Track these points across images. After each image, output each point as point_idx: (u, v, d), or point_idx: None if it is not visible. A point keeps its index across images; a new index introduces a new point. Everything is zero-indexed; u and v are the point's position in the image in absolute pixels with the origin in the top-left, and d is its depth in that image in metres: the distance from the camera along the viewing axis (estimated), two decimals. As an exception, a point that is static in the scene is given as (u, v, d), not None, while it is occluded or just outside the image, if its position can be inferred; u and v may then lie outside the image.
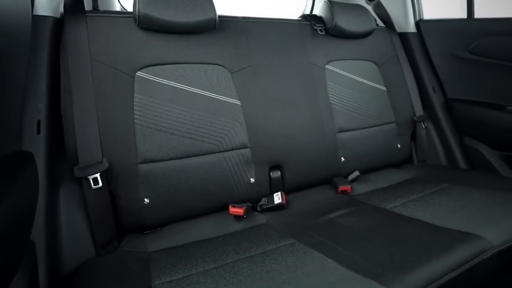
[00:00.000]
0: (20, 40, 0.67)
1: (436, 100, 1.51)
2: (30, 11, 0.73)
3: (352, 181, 1.25)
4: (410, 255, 0.73)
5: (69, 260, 0.83)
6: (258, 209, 1.08)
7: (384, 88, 1.43)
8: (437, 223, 0.88)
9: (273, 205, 1.07)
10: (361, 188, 1.23)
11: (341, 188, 1.19)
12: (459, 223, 0.86)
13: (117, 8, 1.53)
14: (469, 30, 1.40)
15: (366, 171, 1.33)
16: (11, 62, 0.62)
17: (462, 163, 1.43)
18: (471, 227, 0.82)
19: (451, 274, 0.69)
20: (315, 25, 1.35)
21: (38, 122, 0.85)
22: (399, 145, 1.42)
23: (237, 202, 1.04)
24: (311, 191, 1.21)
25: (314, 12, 1.79)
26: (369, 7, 1.61)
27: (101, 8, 1.13)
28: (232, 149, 1.06)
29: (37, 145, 0.83)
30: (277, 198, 1.08)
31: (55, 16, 0.94)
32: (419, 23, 1.57)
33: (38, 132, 0.85)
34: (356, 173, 1.25)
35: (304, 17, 1.41)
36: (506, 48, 1.30)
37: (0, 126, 0.63)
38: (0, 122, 0.63)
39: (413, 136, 1.49)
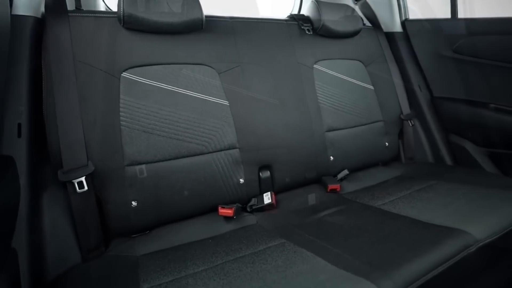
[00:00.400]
0: None
1: (422, 98, 1.54)
2: (9, 11, 0.71)
3: (341, 179, 1.26)
4: (398, 251, 0.74)
5: (54, 266, 0.81)
6: (248, 209, 1.08)
7: (371, 87, 1.44)
8: (424, 220, 0.89)
9: (262, 205, 1.06)
10: (350, 187, 1.24)
11: (330, 187, 1.19)
12: (445, 219, 0.87)
13: (102, 8, 1.50)
14: (453, 30, 1.43)
15: (355, 170, 1.34)
16: None
17: (448, 160, 1.46)
18: (457, 223, 0.84)
19: (438, 269, 0.70)
20: (302, 25, 1.36)
21: (19, 125, 0.82)
22: (387, 143, 1.44)
23: (227, 203, 1.03)
24: (301, 191, 1.21)
25: (301, 12, 1.79)
26: (356, 7, 1.63)
27: (84, 7, 1.11)
28: (221, 150, 1.05)
29: (18, 149, 0.81)
30: (267, 198, 1.07)
31: (36, 16, 0.92)
32: (405, 22, 1.60)
33: (19, 135, 0.82)
34: (345, 171, 1.26)
35: (292, 17, 1.41)
36: (489, 47, 1.33)
37: None
38: None
39: (401, 134, 1.51)
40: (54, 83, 0.86)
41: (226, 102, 1.09)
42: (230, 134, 1.07)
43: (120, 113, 0.93)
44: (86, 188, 0.84)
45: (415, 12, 1.62)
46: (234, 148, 1.08)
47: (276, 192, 1.14)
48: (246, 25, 1.23)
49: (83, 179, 0.84)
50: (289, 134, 1.19)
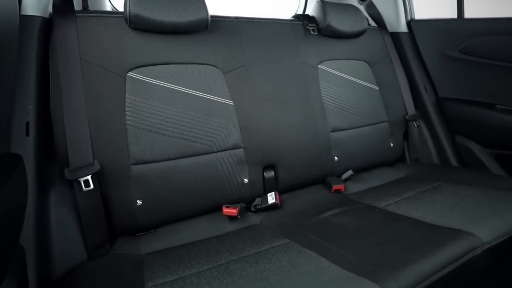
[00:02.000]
0: (7, 41, 0.65)
1: (428, 99, 1.53)
2: (18, 11, 0.72)
3: (346, 180, 1.25)
4: (403, 253, 0.73)
5: (60, 264, 0.82)
6: (252, 209, 1.08)
7: (376, 88, 1.44)
8: (429, 221, 0.89)
9: (267, 205, 1.06)
10: (354, 187, 1.23)
11: (335, 187, 1.19)
12: (451, 220, 0.87)
13: (108, 8, 1.51)
14: (459, 30, 1.41)
15: (359, 170, 1.34)
16: None
17: (453, 161, 1.45)
18: (462, 224, 0.83)
19: (443, 271, 0.69)
20: (307, 25, 1.36)
21: (27, 123, 0.83)
22: (391, 144, 1.43)
23: (231, 203, 1.03)
24: (305, 191, 1.21)
25: (306, 12, 1.79)
26: (361, 7, 1.62)
27: (91, 8, 1.12)
28: (225, 150, 1.06)
29: (26, 147, 0.82)
30: (271, 198, 1.07)
31: (44, 16, 0.93)
32: (411, 23, 1.59)
33: (27, 134, 0.83)
34: (350, 172, 1.26)
35: (297, 17, 1.41)
36: (495, 47, 1.31)
37: None
38: None
39: (406, 135, 1.50)
40: (61, 82, 0.87)
41: (231, 102, 1.09)
42: (234, 134, 1.08)
43: (126, 112, 0.94)
44: (92, 186, 0.85)
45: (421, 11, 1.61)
46: (238, 147, 1.08)
47: (280, 192, 1.14)
48: (251, 25, 1.23)
49: (89, 177, 0.85)
50: (294, 134, 1.19)
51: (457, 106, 1.46)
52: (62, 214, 0.86)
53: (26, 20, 0.87)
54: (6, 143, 0.74)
